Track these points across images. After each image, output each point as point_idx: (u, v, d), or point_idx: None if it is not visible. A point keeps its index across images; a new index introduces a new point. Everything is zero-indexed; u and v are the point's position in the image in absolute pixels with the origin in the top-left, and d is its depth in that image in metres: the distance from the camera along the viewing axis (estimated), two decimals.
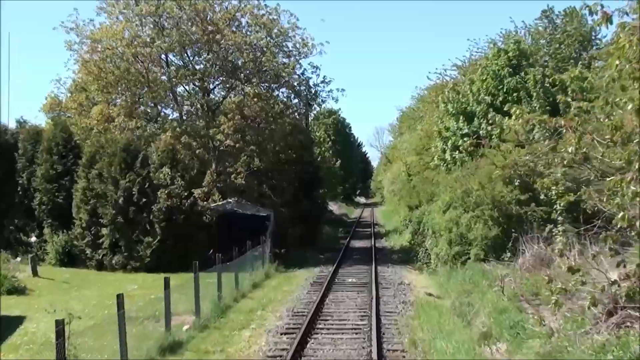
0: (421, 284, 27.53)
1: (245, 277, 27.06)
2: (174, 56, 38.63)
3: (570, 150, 9.62)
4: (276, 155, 39.92)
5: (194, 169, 34.22)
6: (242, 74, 37.34)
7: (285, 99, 41.08)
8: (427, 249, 32.87)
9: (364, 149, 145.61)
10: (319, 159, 57.91)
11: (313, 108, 42.03)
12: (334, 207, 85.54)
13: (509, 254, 24.40)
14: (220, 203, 34.93)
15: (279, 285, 28.39)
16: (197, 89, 39.26)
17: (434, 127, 41.12)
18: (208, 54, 37.54)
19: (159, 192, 32.34)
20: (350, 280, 29.37)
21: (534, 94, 32.28)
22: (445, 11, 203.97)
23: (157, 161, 33.21)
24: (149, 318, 18.88)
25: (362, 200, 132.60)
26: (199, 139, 35.99)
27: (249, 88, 36.96)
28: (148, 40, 35.98)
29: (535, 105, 30.88)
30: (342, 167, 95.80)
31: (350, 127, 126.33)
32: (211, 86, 38.80)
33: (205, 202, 33.50)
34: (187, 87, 39.65)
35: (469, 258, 26.49)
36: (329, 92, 40.91)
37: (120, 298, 12.73)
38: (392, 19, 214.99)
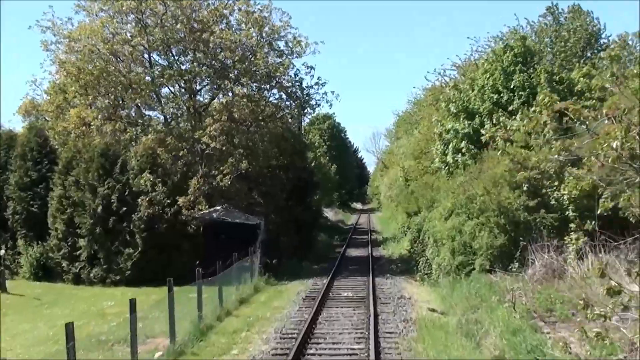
0: (423, 298, 25.79)
1: (231, 291, 25.23)
2: (158, 55, 36.54)
3: (614, 146, 7.66)
4: (267, 160, 38.17)
5: (177, 174, 32.07)
6: (230, 74, 35.28)
7: (277, 101, 38.96)
8: (428, 259, 31.29)
9: (360, 154, 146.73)
10: (313, 164, 55.95)
11: (306, 111, 39.75)
12: (330, 213, 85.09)
13: (517, 264, 23.27)
14: (207, 211, 32.93)
15: (268, 300, 26.50)
16: (183, 90, 37.19)
17: (433, 129, 39.70)
18: (195, 54, 35.47)
19: (139, 200, 30.12)
20: (345, 294, 27.63)
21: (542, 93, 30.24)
22: (443, 11, 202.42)
23: (136, 166, 31.09)
24: (120, 342, 17.05)
25: (359, 206, 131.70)
26: (184, 142, 33.89)
27: (238, 88, 34.92)
28: (129, 37, 33.85)
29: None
30: (338, 173, 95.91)
31: (346, 132, 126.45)
32: (198, 87, 36.72)
33: (191, 211, 31.32)
34: (172, 89, 37.62)
35: (474, 268, 25.20)
36: (323, 94, 38.91)
37: (69, 327, 10.68)
38: (388, 19, 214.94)
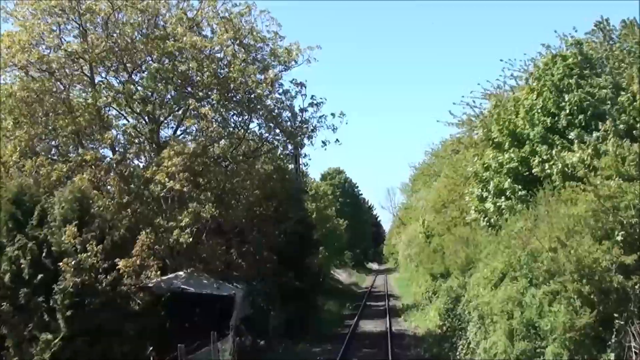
0: None
1: None
2: (105, 72, 29.03)
3: None
4: (249, 208, 31.62)
5: (119, 229, 24.11)
6: (197, 91, 27.86)
7: (263, 132, 31.38)
8: (470, 342, 25.35)
9: (374, 212, 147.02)
10: (313, 216, 48.45)
11: (301, 141, 31.89)
12: (343, 275, 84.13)
13: (612, 355, 17.54)
14: (163, 278, 25.15)
15: None
16: (144, 119, 29.84)
17: (466, 168, 35.45)
18: (154, 64, 28.14)
19: (61, 264, 23.34)
20: None
21: (613, 113, 25.45)
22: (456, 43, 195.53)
23: (59, 217, 23.32)
24: None
25: (375, 266, 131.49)
26: (132, 183, 26.17)
27: (207, 110, 27.19)
28: (56, 41, 26.57)
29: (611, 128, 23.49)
30: (351, 231, 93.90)
31: (359, 188, 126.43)
32: (158, 112, 29.03)
33: (138, 279, 23.62)
34: (124, 113, 30.38)
35: None
36: (320, 118, 31.29)
37: None
38: (395, 66, 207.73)
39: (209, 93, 28.86)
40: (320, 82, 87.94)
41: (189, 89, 28.99)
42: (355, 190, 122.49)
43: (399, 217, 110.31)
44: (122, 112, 30.58)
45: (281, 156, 35.52)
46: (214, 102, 28.89)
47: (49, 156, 28.57)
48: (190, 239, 25.80)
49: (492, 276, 23.78)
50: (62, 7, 27.53)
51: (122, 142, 29.92)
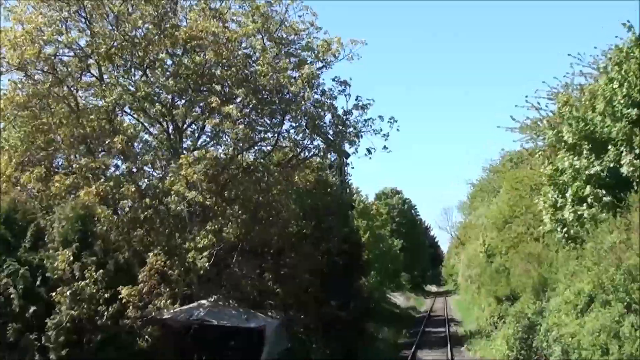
0: None
1: None
2: (115, 71, 25.83)
3: None
4: (288, 225, 27.91)
5: (124, 251, 20.38)
6: (217, 87, 24.55)
7: (298, 137, 27.48)
8: None
9: (432, 232, 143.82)
10: (366, 235, 44.22)
11: (342, 146, 28.10)
12: (400, 299, 78.90)
13: None
14: (182, 308, 21.23)
15: None
16: (152, 119, 26.76)
17: (533, 176, 33.10)
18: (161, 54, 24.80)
19: (54, 294, 20.11)
20: None
21: None
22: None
23: (57, 238, 19.75)
24: None
25: (434, 288, 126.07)
26: (149, 194, 22.70)
27: (233, 107, 23.42)
28: (56, 36, 23.46)
29: None
30: (408, 252, 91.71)
31: (416, 209, 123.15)
32: (175, 114, 25.47)
33: (145, 310, 19.92)
34: (135, 116, 27.73)
35: None
36: (366, 121, 27.28)
37: None
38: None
39: (234, 91, 24.96)
40: (363, 86, 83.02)
41: (208, 85, 25.17)
42: (413, 210, 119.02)
43: (457, 236, 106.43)
44: (135, 115, 27.07)
45: (321, 165, 31.57)
46: (240, 99, 24.97)
47: (52, 167, 25.11)
48: (208, 263, 21.79)
49: (577, 300, 20.15)
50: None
51: (137, 149, 26.34)
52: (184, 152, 25.92)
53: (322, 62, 27.66)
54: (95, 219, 22.12)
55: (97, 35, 24.77)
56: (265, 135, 27.68)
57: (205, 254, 21.71)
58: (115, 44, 24.70)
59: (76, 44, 25.19)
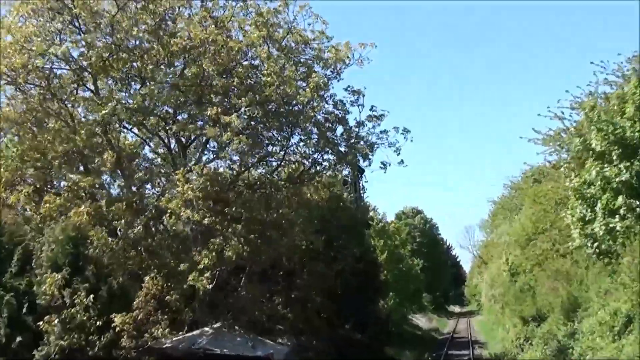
0: None
1: None
2: (113, 85, 24.40)
3: None
4: (298, 244, 26.20)
5: (117, 276, 18.93)
6: (212, 97, 23.31)
7: (308, 150, 26.09)
8: None
9: (453, 252, 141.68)
10: (383, 255, 42.43)
11: (355, 160, 26.53)
12: (422, 320, 78.63)
13: None
14: (184, 336, 19.82)
15: None
16: (156, 136, 26.26)
17: (558, 189, 32.39)
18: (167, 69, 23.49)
19: (42, 323, 18.89)
20: None
21: None
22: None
23: (45, 262, 18.28)
24: None
25: (456, 309, 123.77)
26: (145, 214, 21.22)
27: (233, 116, 21.96)
28: (46, 47, 22.15)
29: None
30: (430, 272, 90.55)
31: (438, 228, 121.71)
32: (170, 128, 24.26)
33: (141, 339, 18.31)
34: (137, 133, 26.71)
35: None
36: (381, 133, 25.74)
37: None
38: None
39: (237, 101, 23.46)
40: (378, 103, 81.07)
41: (209, 97, 23.67)
42: (434, 230, 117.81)
43: (479, 255, 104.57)
44: (134, 129, 25.64)
45: (333, 180, 29.92)
46: (244, 109, 23.42)
47: (44, 186, 23.72)
48: (210, 285, 20.20)
49: (613, 321, 19.13)
50: (51, 5, 22.90)
51: (134, 166, 24.89)
52: (188, 168, 24.65)
53: (332, 72, 26.29)
54: (88, 241, 20.77)
55: (92, 46, 23.58)
56: (273, 149, 26.24)
57: (206, 275, 20.24)
58: (110, 55, 23.52)
59: (70, 56, 24.00)
